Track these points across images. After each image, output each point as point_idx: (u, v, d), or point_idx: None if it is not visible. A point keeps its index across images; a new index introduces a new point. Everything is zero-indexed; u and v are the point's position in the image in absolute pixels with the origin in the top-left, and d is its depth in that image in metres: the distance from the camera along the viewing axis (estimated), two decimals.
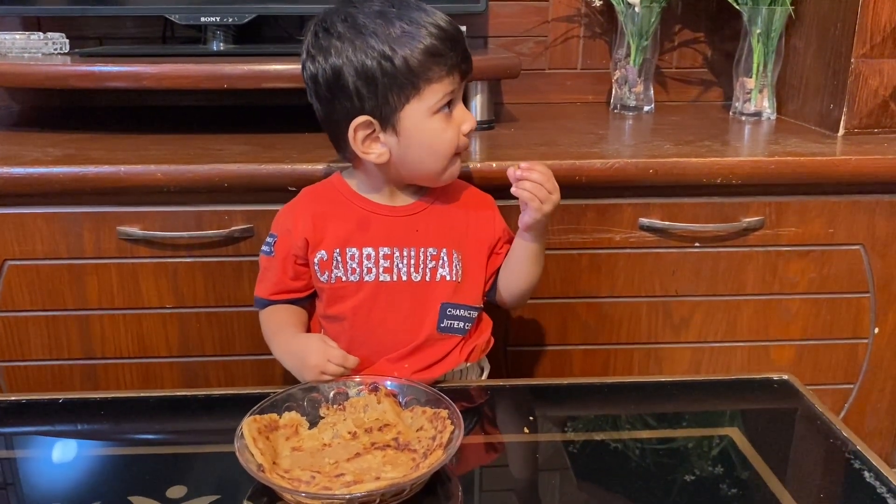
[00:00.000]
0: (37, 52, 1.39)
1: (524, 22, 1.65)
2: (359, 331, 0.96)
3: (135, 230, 1.13)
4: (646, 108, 1.58)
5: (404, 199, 0.98)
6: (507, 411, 0.97)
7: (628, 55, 1.54)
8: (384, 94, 0.87)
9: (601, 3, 1.58)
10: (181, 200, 1.14)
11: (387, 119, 0.89)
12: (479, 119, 1.37)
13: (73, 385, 1.21)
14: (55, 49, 1.42)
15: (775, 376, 0.97)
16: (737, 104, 1.53)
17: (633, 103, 1.57)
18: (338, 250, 0.95)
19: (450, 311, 0.96)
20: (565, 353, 1.26)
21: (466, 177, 1.12)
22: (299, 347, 0.90)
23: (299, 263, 0.97)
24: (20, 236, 1.13)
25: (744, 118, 1.51)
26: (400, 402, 0.86)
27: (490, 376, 1.08)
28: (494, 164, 1.14)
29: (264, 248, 0.99)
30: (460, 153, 0.95)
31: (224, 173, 1.11)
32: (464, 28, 1.37)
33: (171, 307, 1.19)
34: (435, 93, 0.89)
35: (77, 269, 1.16)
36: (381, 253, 0.95)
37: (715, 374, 1.23)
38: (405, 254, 0.95)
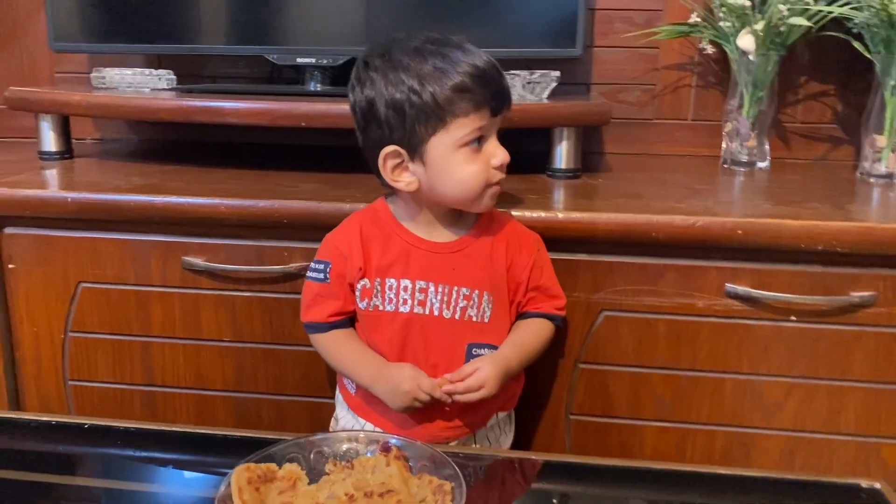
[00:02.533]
0: (145, 87, 1.46)
1: (631, 69, 1.56)
2: (392, 361, 0.96)
3: (198, 261, 1.14)
4: (760, 165, 1.44)
5: (445, 235, 0.97)
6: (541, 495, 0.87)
7: (741, 106, 1.42)
8: (412, 126, 0.89)
9: (714, 50, 1.47)
10: (244, 234, 1.14)
11: (414, 149, 0.91)
12: (563, 167, 1.29)
13: (132, 410, 1.22)
14: (165, 85, 1.48)
15: (864, 483, 0.81)
16: (865, 164, 1.36)
17: (744, 158, 1.44)
18: (379, 279, 0.96)
19: (475, 351, 0.96)
20: (636, 429, 1.14)
21: (530, 224, 1.05)
22: (392, 374, 0.94)
23: (352, 289, 0.97)
24: (94, 260, 1.17)
25: (872, 180, 1.33)
26: (410, 467, 0.79)
27: (547, 447, 1.01)
28: (560, 215, 1.06)
29: (314, 275, 0.99)
30: (493, 186, 0.94)
31: (284, 209, 1.10)
32: (556, 73, 1.32)
33: (229, 340, 1.18)
34: (462, 127, 0.89)
35: (143, 295, 1.18)
36: (418, 286, 0.95)
37: (808, 474, 1.07)
38: (439, 290, 0.95)
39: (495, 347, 0.97)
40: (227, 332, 1.17)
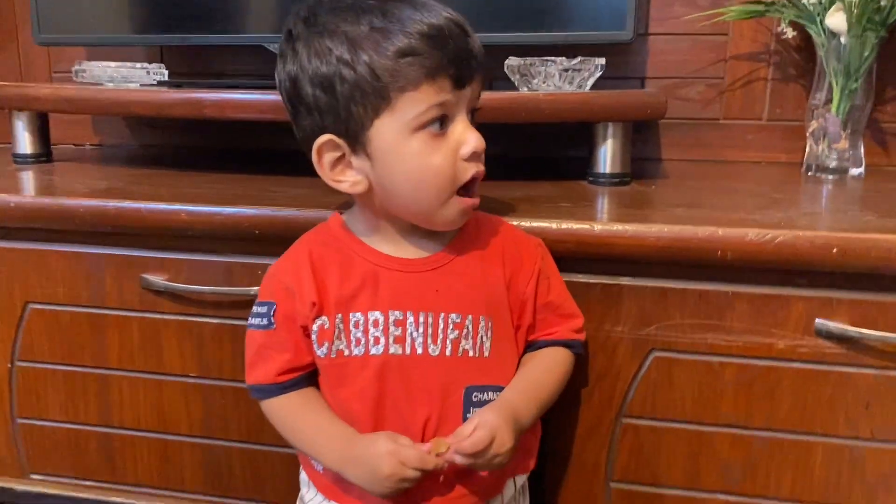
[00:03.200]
0: (132, 82, 1.29)
1: (693, 60, 1.32)
2: (366, 421, 0.73)
3: (158, 279, 0.95)
4: (853, 172, 1.17)
5: (420, 249, 0.74)
6: None
7: (829, 101, 1.16)
8: (346, 107, 0.68)
9: (795, 34, 1.22)
10: (211, 248, 0.94)
11: (355, 137, 0.69)
12: (608, 172, 1.06)
13: (87, 456, 1.03)
14: (155, 79, 1.31)
15: None
16: None
17: (833, 164, 1.18)
18: (340, 315, 0.73)
19: (476, 397, 0.74)
20: (695, 503, 0.89)
21: (557, 238, 0.82)
22: (363, 455, 0.70)
23: (306, 334, 0.75)
24: (43, 277, 0.99)
25: None
26: None
27: None
28: (597, 227, 0.83)
29: (256, 321, 0.77)
30: (467, 185, 0.70)
31: (255, 218, 0.90)
32: (600, 61, 1.09)
33: (195, 376, 0.98)
34: (413, 103, 0.67)
35: (98, 319, 0.99)
36: (392, 318, 0.72)
37: None
38: (421, 320, 0.72)
39: (502, 389, 0.75)
40: (191, 365, 0.98)
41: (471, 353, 0.73)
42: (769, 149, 1.32)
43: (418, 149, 0.68)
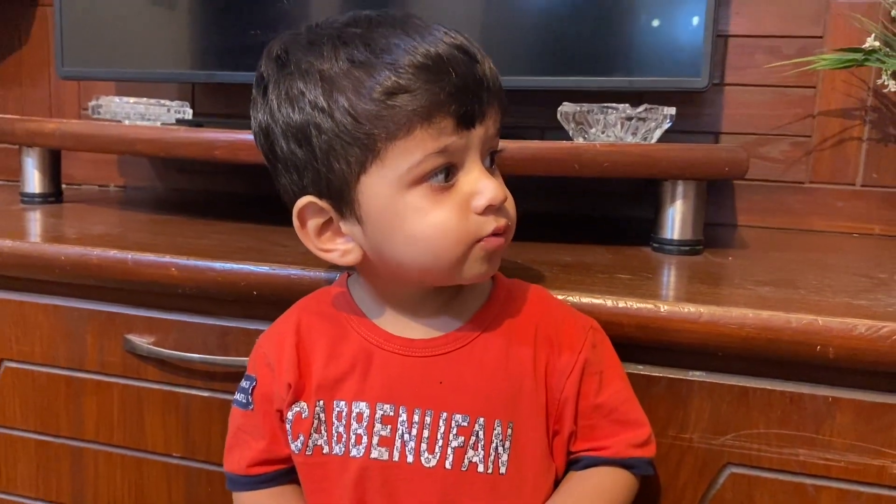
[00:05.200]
0: (152, 119, 1.19)
1: (776, 115, 1.15)
2: None
3: (143, 342, 0.82)
4: None
5: (428, 326, 0.59)
6: None
7: None
8: (326, 161, 0.55)
9: None
10: (204, 309, 0.81)
11: (340, 198, 0.56)
12: (677, 238, 0.90)
13: None
14: (176, 117, 1.21)
15: None
16: None
17: None
18: (321, 402, 0.59)
19: None
20: None
21: (618, 319, 0.66)
22: None
23: (282, 421, 0.61)
24: (20, 332, 0.87)
25: None
26: None
27: None
28: (664, 307, 0.67)
29: (239, 396, 0.64)
30: (488, 239, 0.56)
31: (252, 276, 0.76)
32: (669, 110, 0.94)
33: (179, 456, 0.84)
34: (405, 154, 0.53)
35: (76, 383, 0.86)
36: (379, 413, 0.58)
37: None
38: (415, 419, 0.58)
39: None
40: (176, 443, 0.84)
41: (480, 468, 0.57)
42: (863, 218, 1.15)
43: (419, 205, 0.54)
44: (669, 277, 0.81)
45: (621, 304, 0.67)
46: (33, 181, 1.16)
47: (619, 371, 0.64)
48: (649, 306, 0.67)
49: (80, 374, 0.86)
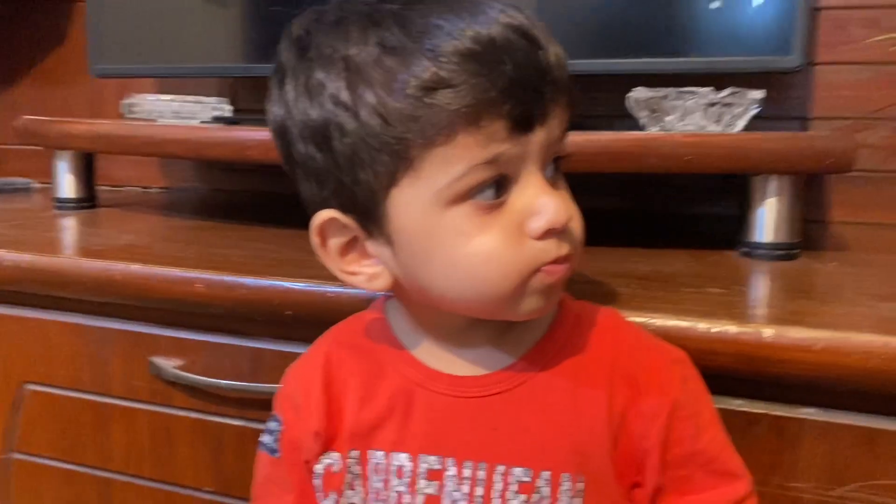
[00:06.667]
0: (189, 118, 1.12)
1: (876, 96, 1.02)
2: None
3: (169, 365, 0.74)
4: None
5: (479, 363, 0.49)
6: None
7: None
8: (350, 170, 0.44)
9: None
10: (235, 329, 0.73)
11: (366, 214, 0.46)
12: (770, 241, 0.78)
13: None
14: (213, 115, 1.14)
15: None
16: None
17: None
18: (356, 454, 0.50)
19: None
20: None
21: (711, 347, 0.56)
22: None
23: (309, 473, 0.52)
24: (43, 352, 0.81)
25: None
26: None
27: None
28: (767, 332, 0.55)
29: (266, 438, 0.55)
30: (548, 269, 0.45)
31: (285, 294, 0.68)
32: (758, 94, 0.82)
33: (210, 490, 0.76)
34: (446, 164, 0.42)
35: (102, 409, 0.79)
36: (423, 467, 0.49)
37: None
38: (466, 474, 0.48)
39: None
40: (206, 477, 0.76)
41: None
42: None
43: (460, 228, 0.43)
44: (765, 289, 0.69)
45: (715, 328, 0.56)
46: (65, 185, 1.10)
47: (714, 411, 0.53)
48: (749, 330, 0.56)
49: (107, 400, 0.79)
